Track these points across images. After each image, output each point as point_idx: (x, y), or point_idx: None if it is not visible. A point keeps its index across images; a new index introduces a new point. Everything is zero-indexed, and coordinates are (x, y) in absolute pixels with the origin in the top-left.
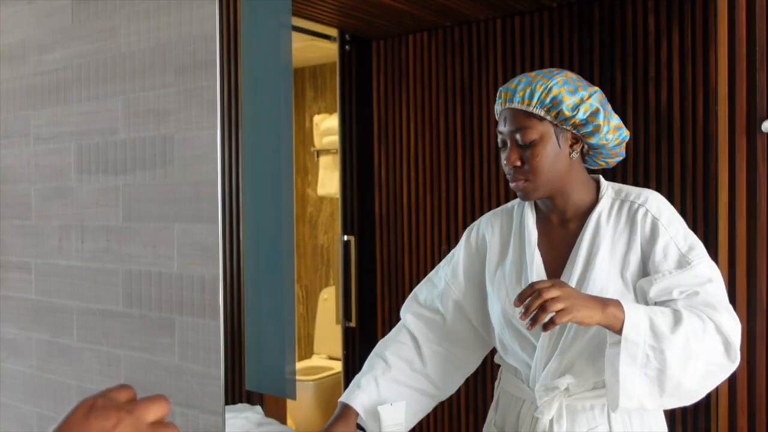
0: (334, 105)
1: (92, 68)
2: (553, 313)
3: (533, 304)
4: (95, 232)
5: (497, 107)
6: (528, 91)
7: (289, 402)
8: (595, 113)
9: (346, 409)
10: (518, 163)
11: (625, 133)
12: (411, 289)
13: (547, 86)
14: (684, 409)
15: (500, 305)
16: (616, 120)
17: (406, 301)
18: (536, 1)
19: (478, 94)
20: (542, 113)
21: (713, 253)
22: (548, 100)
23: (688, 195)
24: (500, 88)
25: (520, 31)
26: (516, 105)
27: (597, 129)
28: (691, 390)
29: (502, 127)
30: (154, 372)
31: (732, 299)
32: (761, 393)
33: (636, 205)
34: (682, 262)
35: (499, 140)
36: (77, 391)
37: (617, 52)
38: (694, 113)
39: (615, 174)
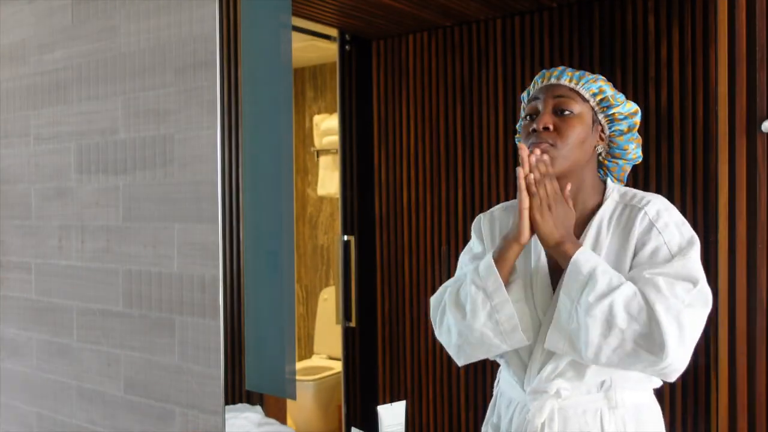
0: (334, 105)
1: (92, 68)
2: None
3: (533, 180)
4: (95, 232)
5: (531, 89)
6: (577, 74)
7: (289, 402)
8: (635, 113)
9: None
10: (550, 126)
11: (641, 154)
12: (411, 289)
13: (594, 77)
14: (684, 410)
15: None
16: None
17: (436, 293)
18: (536, 1)
19: (478, 94)
20: (587, 95)
21: (713, 253)
22: (596, 86)
23: (688, 195)
24: (542, 70)
25: (520, 31)
26: (563, 81)
27: (630, 129)
28: (607, 355)
29: (539, 96)
30: (154, 372)
31: (732, 299)
32: (761, 393)
33: (636, 209)
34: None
35: (527, 109)
36: (77, 391)
37: (617, 52)
38: (694, 113)
39: None
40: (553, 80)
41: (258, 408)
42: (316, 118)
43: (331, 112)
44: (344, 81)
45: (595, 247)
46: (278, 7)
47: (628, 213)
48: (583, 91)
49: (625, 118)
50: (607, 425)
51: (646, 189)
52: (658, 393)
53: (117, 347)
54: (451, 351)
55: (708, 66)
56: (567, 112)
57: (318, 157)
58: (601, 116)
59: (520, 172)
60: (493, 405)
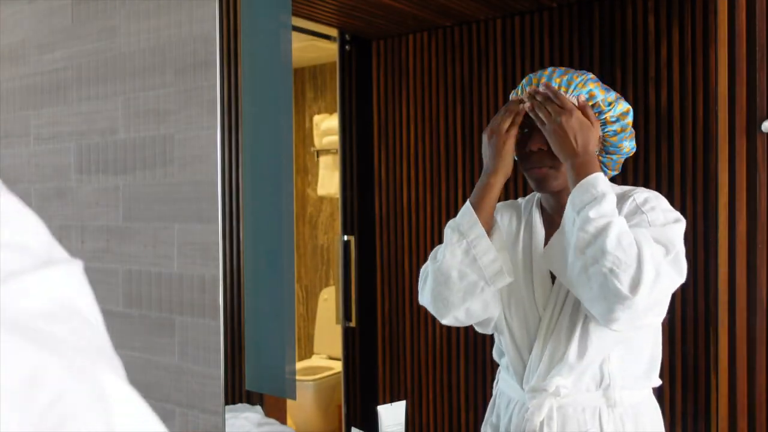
0: (334, 105)
1: (92, 68)
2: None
3: (545, 102)
4: (95, 232)
5: (516, 93)
6: (564, 79)
7: (289, 402)
8: (626, 113)
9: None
10: (545, 147)
11: (634, 146)
12: (411, 289)
13: (583, 79)
14: (683, 410)
15: (506, 298)
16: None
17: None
18: (536, 1)
19: (478, 94)
20: (577, 103)
21: (713, 253)
22: (585, 90)
23: (688, 195)
24: (529, 75)
25: (520, 31)
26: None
27: (623, 129)
28: (579, 274)
29: (526, 113)
30: (154, 372)
31: (732, 299)
32: (761, 393)
33: (626, 197)
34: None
35: (517, 129)
36: None
37: (617, 52)
38: (694, 113)
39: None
40: (541, 88)
41: (258, 408)
42: (316, 118)
43: (331, 112)
44: (344, 81)
45: None
46: (278, 7)
47: (620, 205)
48: (572, 99)
49: (617, 120)
50: (605, 424)
51: (646, 188)
52: (658, 393)
53: (117, 347)
54: (430, 305)
55: (708, 66)
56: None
57: (318, 157)
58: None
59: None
60: (492, 404)
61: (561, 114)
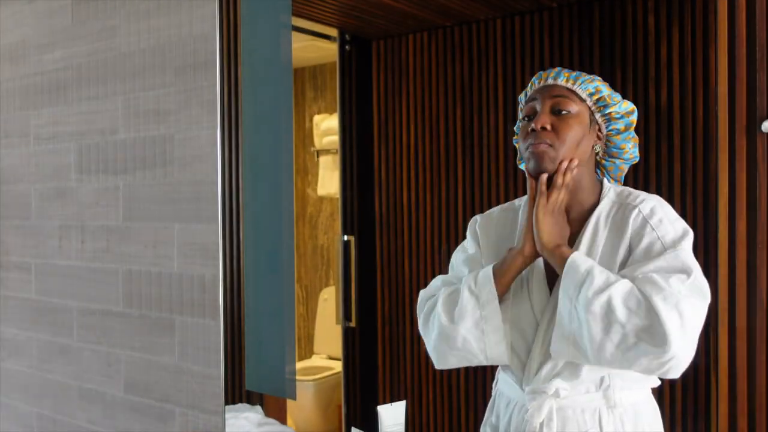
0: (334, 105)
1: (92, 68)
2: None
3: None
4: (95, 232)
5: (528, 90)
6: (573, 74)
7: (289, 402)
8: (631, 112)
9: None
10: (548, 126)
11: (638, 154)
12: (411, 289)
13: (591, 77)
14: (683, 410)
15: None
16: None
17: (427, 288)
18: (536, 1)
19: (478, 94)
20: (584, 95)
21: (713, 253)
22: (592, 85)
23: (688, 195)
24: (539, 72)
25: (520, 31)
26: (560, 82)
27: (627, 128)
28: (611, 352)
29: (536, 97)
30: (154, 372)
31: (732, 299)
32: (761, 394)
33: (631, 207)
34: (662, 253)
35: (525, 110)
36: (77, 391)
37: (617, 52)
38: (694, 113)
39: None
40: (550, 81)
41: (258, 408)
42: (316, 118)
43: (331, 112)
44: (344, 81)
45: (592, 245)
46: (278, 7)
47: (623, 211)
48: (579, 91)
49: (622, 117)
50: (605, 425)
51: (646, 189)
52: (658, 393)
53: (117, 347)
54: (430, 350)
55: (708, 66)
56: (564, 112)
57: (318, 157)
58: (598, 116)
59: (543, 178)
60: (491, 405)
61: (560, 210)
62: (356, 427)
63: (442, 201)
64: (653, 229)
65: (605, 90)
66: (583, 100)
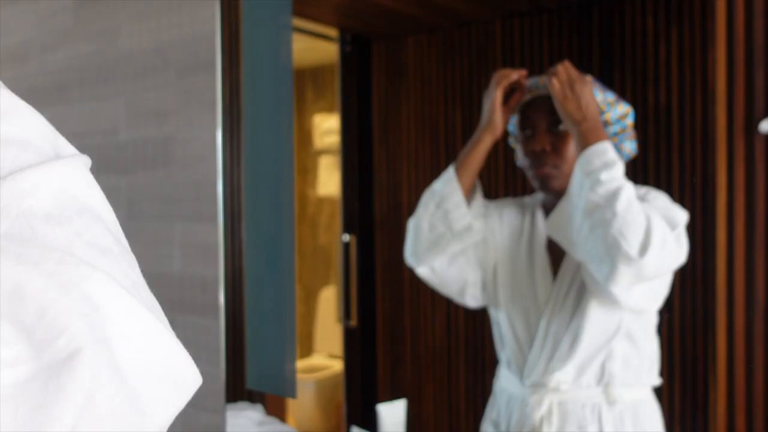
0: (335, 105)
1: (93, 69)
2: (556, 77)
3: (562, 75)
4: None
5: (531, 94)
6: None
7: (290, 400)
8: (626, 114)
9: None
10: (547, 147)
11: (636, 148)
12: (411, 289)
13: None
14: (682, 410)
15: (508, 294)
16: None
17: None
18: (536, 2)
19: (478, 95)
20: None
21: (711, 253)
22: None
23: (687, 195)
24: (535, 78)
25: (519, 32)
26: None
27: (623, 131)
28: (586, 239)
29: (532, 110)
30: None
31: (730, 299)
32: (759, 393)
33: None
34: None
35: (521, 117)
36: None
37: (616, 52)
38: (693, 114)
39: None
40: (543, 90)
41: (259, 407)
42: (316, 118)
43: (331, 112)
44: (345, 82)
45: None
46: (279, 8)
47: None
48: None
49: (617, 121)
50: (605, 421)
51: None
52: (657, 392)
53: None
54: (407, 257)
55: (706, 67)
56: (561, 127)
57: (318, 157)
58: None
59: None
60: (492, 401)
61: (576, 81)
62: (357, 425)
63: None
64: (647, 201)
65: (598, 95)
66: None
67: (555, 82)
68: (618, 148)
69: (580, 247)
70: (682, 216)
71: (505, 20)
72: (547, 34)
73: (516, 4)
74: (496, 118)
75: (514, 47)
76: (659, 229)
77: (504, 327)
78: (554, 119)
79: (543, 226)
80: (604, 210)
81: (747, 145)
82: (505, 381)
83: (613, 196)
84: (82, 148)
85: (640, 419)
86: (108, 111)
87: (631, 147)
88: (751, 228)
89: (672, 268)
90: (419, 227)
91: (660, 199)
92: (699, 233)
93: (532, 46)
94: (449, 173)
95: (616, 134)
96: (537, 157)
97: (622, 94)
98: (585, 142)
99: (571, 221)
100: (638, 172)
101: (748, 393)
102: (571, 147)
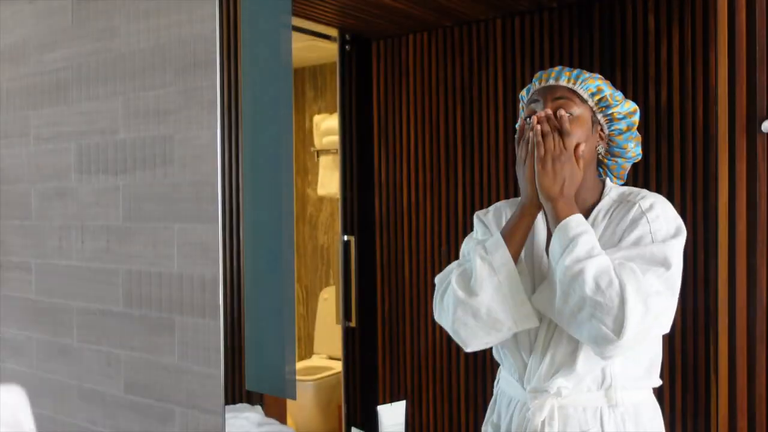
0: (334, 105)
1: (92, 68)
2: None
3: (540, 131)
4: (95, 232)
5: (527, 91)
6: (574, 73)
7: (289, 402)
8: (633, 112)
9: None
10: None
11: (640, 152)
12: (411, 289)
13: (592, 75)
14: (683, 410)
15: None
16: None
17: (441, 273)
18: (536, 1)
19: (478, 94)
20: (586, 95)
21: (713, 253)
22: (594, 85)
23: (688, 195)
24: (539, 71)
25: (520, 31)
26: (562, 82)
27: (629, 128)
28: (567, 322)
29: (538, 98)
30: (154, 372)
31: (732, 299)
32: (761, 394)
33: (631, 204)
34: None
35: (527, 111)
36: (77, 391)
37: (617, 51)
38: (694, 113)
39: None
40: (551, 81)
41: (258, 408)
42: (316, 118)
43: (331, 112)
44: (344, 81)
45: None
46: (278, 7)
47: (624, 208)
48: (581, 91)
49: (624, 117)
50: (606, 424)
51: (646, 188)
52: (658, 393)
53: (117, 347)
54: (452, 332)
55: (708, 66)
56: (570, 113)
57: (318, 157)
58: (600, 116)
59: (537, 127)
60: (493, 404)
61: (559, 157)
62: (356, 426)
63: (442, 201)
64: (648, 223)
65: (607, 89)
66: (584, 101)
67: (542, 150)
68: (622, 149)
69: (568, 330)
70: (678, 246)
71: (506, 19)
72: (547, 32)
73: (516, 3)
74: (532, 191)
75: (514, 46)
76: (634, 298)
77: None
78: (562, 102)
79: (542, 228)
80: (574, 296)
81: (749, 144)
82: (505, 384)
83: (578, 278)
84: (82, 148)
85: (641, 420)
86: (107, 110)
87: (636, 150)
88: (753, 228)
89: (664, 324)
90: (477, 310)
91: (661, 219)
92: (700, 233)
93: (532, 45)
94: (502, 251)
95: (621, 132)
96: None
97: (623, 94)
98: (554, 221)
99: (554, 298)
100: (639, 172)
101: (749, 393)
102: (583, 127)
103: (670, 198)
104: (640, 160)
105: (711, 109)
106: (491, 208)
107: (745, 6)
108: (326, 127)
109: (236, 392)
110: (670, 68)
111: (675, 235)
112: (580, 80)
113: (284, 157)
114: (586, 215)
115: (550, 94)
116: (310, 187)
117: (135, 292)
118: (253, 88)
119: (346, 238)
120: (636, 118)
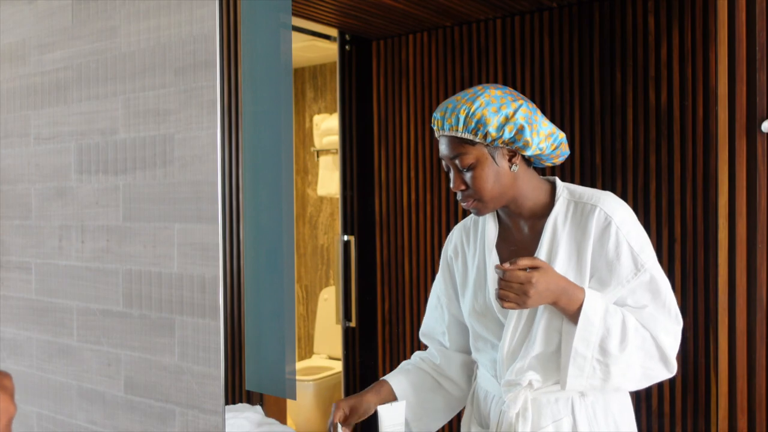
0: (334, 105)
1: (92, 68)
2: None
3: (502, 286)
4: (95, 232)
5: (432, 125)
6: (454, 117)
7: (289, 402)
8: (520, 131)
9: (380, 384)
10: (463, 187)
11: (560, 137)
12: (411, 289)
13: (470, 110)
14: (683, 410)
15: (469, 306)
16: (546, 128)
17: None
18: (536, 1)
19: None
20: (471, 137)
21: (713, 253)
22: (473, 124)
23: (688, 195)
24: (433, 114)
25: (520, 31)
26: (447, 132)
27: (527, 144)
28: (629, 387)
29: (443, 153)
30: (154, 372)
31: (732, 299)
32: (761, 393)
33: (590, 206)
34: (636, 263)
35: (443, 164)
36: (77, 391)
37: (617, 52)
38: (694, 113)
39: (614, 174)
40: (441, 132)
41: (258, 408)
42: (316, 118)
43: (331, 112)
44: (344, 81)
45: (552, 247)
46: (278, 7)
47: (581, 211)
48: (466, 136)
49: (514, 138)
50: (578, 412)
51: (646, 189)
52: (659, 393)
53: (117, 347)
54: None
55: (708, 66)
56: (468, 166)
57: (318, 157)
58: (497, 143)
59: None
60: (471, 398)
61: (524, 285)
62: (356, 426)
63: (442, 201)
64: (628, 243)
65: (487, 123)
66: (475, 142)
67: (508, 305)
68: (548, 156)
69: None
70: (656, 261)
71: (506, 19)
72: (547, 33)
73: (516, 3)
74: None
75: (514, 46)
76: (665, 341)
77: (473, 334)
78: (457, 159)
79: (492, 227)
80: (631, 368)
81: (749, 144)
82: (482, 379)
83: (632, 357)
84: (82, 148)
85: (611, 409)
86: (107, 110)
87: (546, 142)
88: (753, 228)
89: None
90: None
91: (633, 234)
92: (700, 233)
93: (532, 45)
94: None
95: (515, 141)
96: (459, 195)
97: (623, 94)
98: (568, 315)
99: (606, 378)
100: (638, 171)
101: (749, 392)
102: (483, 179)
103: (670, 199)
104: (640, 162)
105: (711, 110)
106: (452, 237)
107: (745, 6)
108: (326, 127)
109: (236, 392)
110: (670, 68)
111: (648, 242)
112: (460, 123)
113: (284, 157)
114: (543, 217)
115: (447, 148)
116: (310, 187)
117: (135, 292)
118: (253, 88)
119: (346, 238)
120: (511, 124)
